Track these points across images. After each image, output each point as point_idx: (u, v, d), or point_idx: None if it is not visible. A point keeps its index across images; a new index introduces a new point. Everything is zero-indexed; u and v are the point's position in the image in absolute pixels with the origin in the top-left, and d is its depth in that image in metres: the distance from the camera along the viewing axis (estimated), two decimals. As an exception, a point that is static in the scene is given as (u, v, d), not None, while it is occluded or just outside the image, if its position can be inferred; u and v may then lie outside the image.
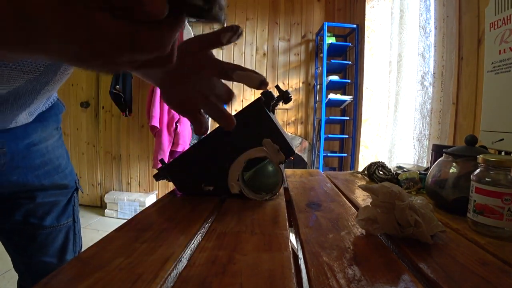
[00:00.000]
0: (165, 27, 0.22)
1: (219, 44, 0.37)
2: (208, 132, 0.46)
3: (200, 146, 0.54)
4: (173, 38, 0.23)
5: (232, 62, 3.03)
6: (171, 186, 2.95)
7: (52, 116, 0.56)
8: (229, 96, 0.41)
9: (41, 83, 0.41)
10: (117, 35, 0.20)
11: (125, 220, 0.41)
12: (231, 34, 0.36)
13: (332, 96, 2.51)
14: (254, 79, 0.40)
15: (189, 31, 2.54)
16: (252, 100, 0.54)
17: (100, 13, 0.19)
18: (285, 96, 0.57)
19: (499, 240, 0.38)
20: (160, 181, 3.17)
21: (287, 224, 0.41)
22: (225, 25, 0.34)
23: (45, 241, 0.57)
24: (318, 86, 2.83)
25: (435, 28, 1.42)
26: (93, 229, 2.42)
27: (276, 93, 0.58)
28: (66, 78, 0.46)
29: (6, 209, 0.54)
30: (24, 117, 0.48)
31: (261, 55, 2.91)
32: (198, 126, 0.40)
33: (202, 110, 0.40)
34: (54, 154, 0.57)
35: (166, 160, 0.64)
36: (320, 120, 2.54)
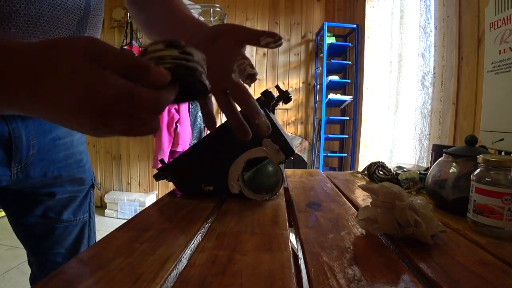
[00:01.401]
0: (163, 91, 0.24)
1: (256, 44, 0.37)
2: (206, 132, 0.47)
3: (200, 146, 0.54)
4: (168, 102, 0.25)
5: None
6: (171, 186, 2.95)
7: None
8: (251, 79, 0.40)
9: None
10: (119, 90, 0.21)
11: (125, 220, 0.41)
12: (271, 40, 0.36)
13: (332, 96, 2.51)
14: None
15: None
16: None
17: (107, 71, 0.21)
18: (285, 96, 0.57)
19: (499, 240, 0.38)
20: (160, 181, 3.17)
21: (287, 224, 0.41)
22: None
23: (62, 234, 0.60)
24: (318, 86, 2.82)
25: (435, 28, 1.42)
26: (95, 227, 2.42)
27: (276, 93, 0.58)
28: None
29: (28, 205, 0.56)
30: None
31: (261, 55, 2.91)
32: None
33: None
34: (78, 149, 0.59)
35: (166, 160, 0.64)
36: (320, 120, 2.54)
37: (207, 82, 0.30)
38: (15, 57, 0.21)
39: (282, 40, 0.37)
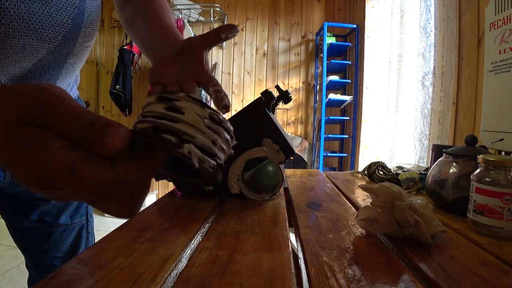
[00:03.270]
0: (122, 167, 0.19)
1: (219, 39, 0.41)
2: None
3: None
4: (132, 179, 0.19)
5: (232, 62, 3.01)
6: (171, 186, 2.94)
7: None
8: (227, 109, 0.42)
9: (62, 54, 0.41)
10: (56, 165, 0.17)
11: (125, 220, 0.41)
12: (227, 31, 0.41)
13: (332, 96, 2.51)
14: (220, 102, 0.41)
15: (189, 31, 2.54)
16: (252, 100, 0.54)
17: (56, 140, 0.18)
18: (285, 96, 0.57)
19: (499, 240, 0.38)
20: (160, 181, 3.16)
21: (287, 224, 0.41)
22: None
23: (59, 238, 0.59)
24: (318, 86, 2.83)
25: (435, 28, 1.42)
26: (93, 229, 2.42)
27: (276, 93, 0.57)
28: (87, 53, 0.47)
29: (23, 210, 0.56)
30: None
31: (261, 55, 2.91)
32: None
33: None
34: None
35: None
36: (320, 120, 2.54)
37: (194, 158, 0.20)
38: None
39: (237, 28, 0.42)
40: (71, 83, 0.51)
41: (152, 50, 0.48)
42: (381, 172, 0.74)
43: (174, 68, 0.42)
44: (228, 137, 0.23)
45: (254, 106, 0.52)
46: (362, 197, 0.58)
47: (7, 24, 0.33)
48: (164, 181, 0.56)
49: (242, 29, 2.89)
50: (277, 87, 0.59)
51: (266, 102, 0.52)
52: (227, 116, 0.38)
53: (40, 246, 0.58)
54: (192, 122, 0.21)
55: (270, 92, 0.53)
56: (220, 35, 0.41)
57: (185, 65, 0.42)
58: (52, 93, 0.18)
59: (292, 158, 0.55)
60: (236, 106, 2.84)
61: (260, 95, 0.53)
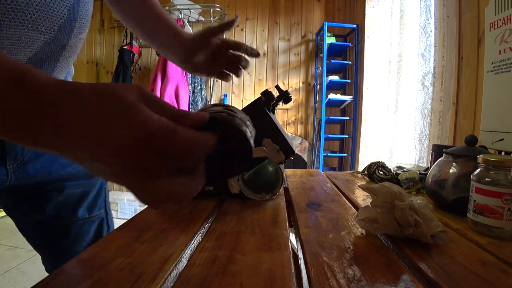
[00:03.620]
0: (201, 133, 0.24)
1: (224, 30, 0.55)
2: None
3: None
4: (206, 147, 0.25)
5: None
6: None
7: None
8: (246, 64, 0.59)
9: (58, 46, 0.41)
10: (164, 124, 0.22)
11: (125, 220, 0.41)
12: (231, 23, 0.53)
13: (332, 96, 2.51)
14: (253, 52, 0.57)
15: (189, 31, 2.54)
16: (252, 100, 0.54)
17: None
18: (285, 96, 0.57)
19: (499, 240, 0.38)
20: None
21: (287, 224, 0.41)
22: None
23: (79, 233, 0.59)
24: (318, 86, 2.83)
25: (435, 28, 1.42)
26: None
27: (276, 93, 0.57)
28: (81, 45, 0.47)
29: (36, 201, 0.55)
30: None
31: (261, 55, 2.91)
32: (226, 79, 0.61)
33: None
34: None
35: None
36: (320, 120, 2.54)
37: (251, 139, 0.28)
38: (72, 98, 0.21)
39: (238, 19, 0.54)
40: (66, 76, 0.52)
41: (160, 37, 0.59)
42: (381, 172, 0.74)
43: (201, 55, 0.56)
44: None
45: (254, 106, 0.52)
46: (362, 197, 0.58)
47: (3, 13, 0.33)
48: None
49: (242, 29, 2.90)
50: (277, 87, 0.59)
51: (266, 102, 0.52)
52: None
53: (60, 241, 0.58)
54: (242, 118, 0.30)
55: (270, 92, 0.53)
56: (227, 27, 0.53)
57: (210, 50, 0.56)
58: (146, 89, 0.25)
59: (292, 158, 0.55)
60: (236, 106, 2.84)
61: (260, 95, 0.53)
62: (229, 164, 0.29)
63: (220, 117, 0.27)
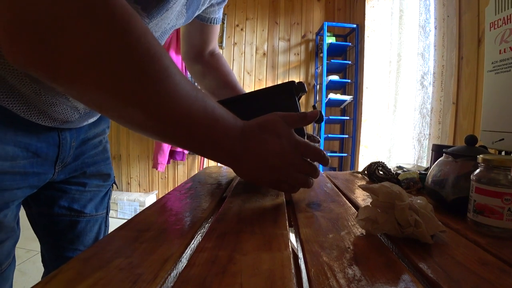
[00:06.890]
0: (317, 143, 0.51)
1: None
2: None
3: None
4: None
5: (231, 61, 3.01)
6: (171, 186, 2.95)
7: (104, 117, 0.64)
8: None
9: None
10: (302, 142, 0.45)
11: (125, 220, 0.41)
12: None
13: (332, 96, 2.51)
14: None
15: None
16: None
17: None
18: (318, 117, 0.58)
19: (499, 240, 0.38)
20: (160, 181, 3.15)
21: (287, 224, 0.41)
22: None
23: (84, 229, 0.62)
24: (318, 86, 2.82)
25: (435, 28, 1.42)
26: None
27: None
28: None
29: (55, 195, 0.59)
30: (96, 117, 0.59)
31: (261, 55, 2.91)
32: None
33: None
34: (105, 147, 0.65)
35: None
36: (320, 120, 2.54)
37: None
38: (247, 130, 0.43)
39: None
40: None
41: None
42: (381, 172, 0.74)
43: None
44: None
45: (285, 86, 0.54)
46: (362, 197, 0.58)
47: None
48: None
49: (242, 29, 2.89)
50: (314, 107, 0.61)
51: (296, 89, 0.53)
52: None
53: (65, 234, 0.60)
54: None
55: (304, 85, 0.55)
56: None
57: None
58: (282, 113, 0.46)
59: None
60: (236, 106, 2.84)
61: (294, 81, 0.54)
62: None
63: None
